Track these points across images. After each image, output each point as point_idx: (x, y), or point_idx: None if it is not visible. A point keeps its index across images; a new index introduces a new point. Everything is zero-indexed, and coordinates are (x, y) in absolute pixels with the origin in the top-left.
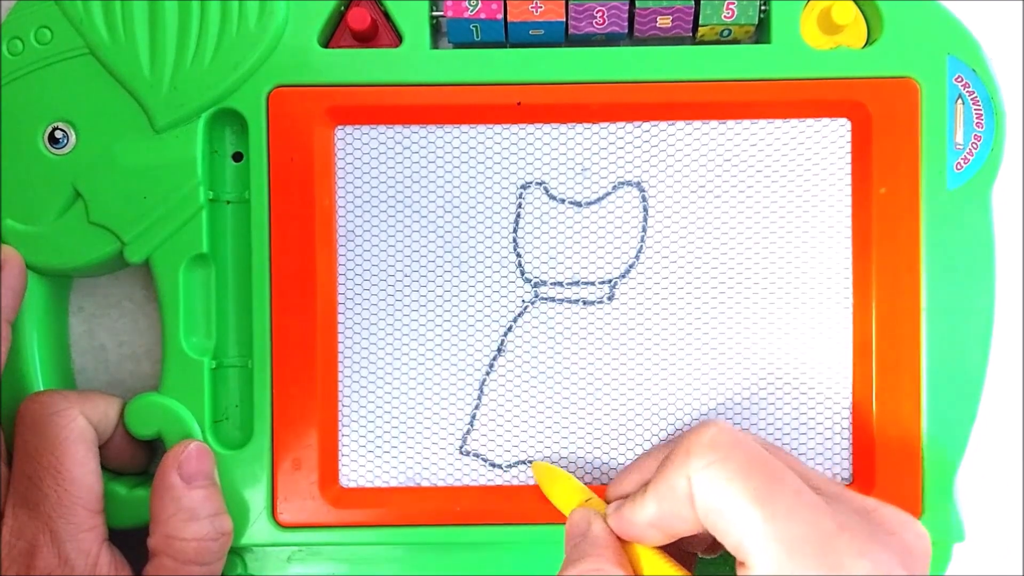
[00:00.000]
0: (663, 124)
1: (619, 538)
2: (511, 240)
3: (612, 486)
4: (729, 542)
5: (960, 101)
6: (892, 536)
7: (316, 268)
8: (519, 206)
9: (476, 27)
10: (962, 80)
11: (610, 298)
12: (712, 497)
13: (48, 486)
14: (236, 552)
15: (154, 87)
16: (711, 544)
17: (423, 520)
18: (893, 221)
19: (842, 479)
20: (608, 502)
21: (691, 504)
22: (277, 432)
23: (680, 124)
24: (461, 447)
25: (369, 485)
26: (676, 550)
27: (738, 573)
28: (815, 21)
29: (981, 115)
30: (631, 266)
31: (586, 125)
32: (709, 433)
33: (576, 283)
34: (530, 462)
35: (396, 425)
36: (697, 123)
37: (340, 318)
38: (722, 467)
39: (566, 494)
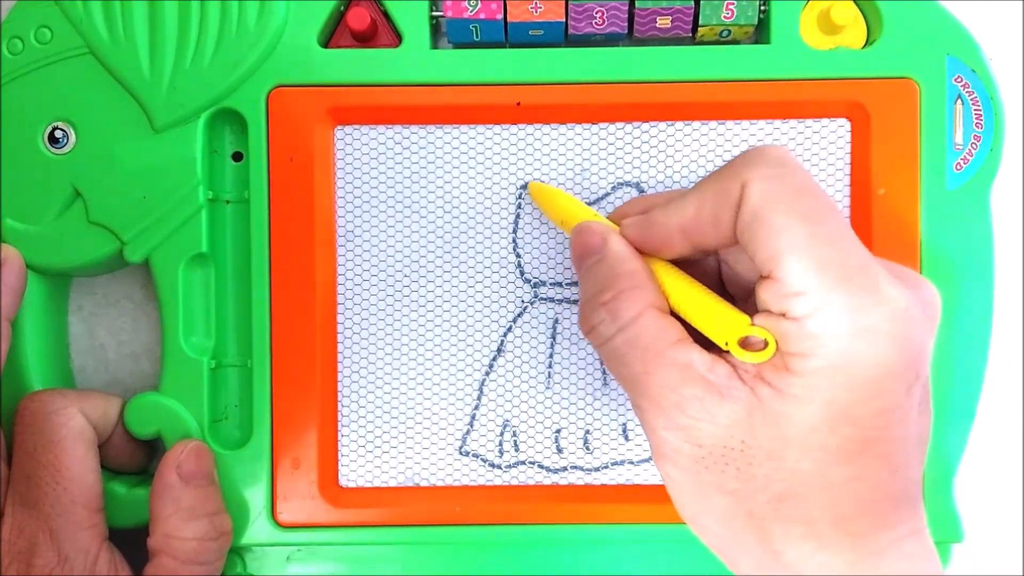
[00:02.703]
0: (662, 124)
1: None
2: (511, 240)
3: (615, 213)
4: (763, 254)
5: (959, 101)
6: (916, 288)
7: (316, 268)
8: (519, 206)
9: (476, 27)
10: (961, 80)
11: None
12: (763, 205)
13: (47, 484)
14: (236, 552)
15: (154, 87)
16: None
17: (422, 520)
18: (892, 221)
19: None
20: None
21: (735, 211)
22: (276, 432)
23: (679, 124)
24: (460, 447)
25: (368, 485)
26: None
27: (758, 291)
28: (814, 21)
29: (980, 115)
30: None
31: (585, 125)
32: (777, 150)
33: (576, 283)
34: (531, 464)
35: (395, 425)
36: (696, 123)
37: (339, 318)
38: (782, 181)
39: (568, 211)
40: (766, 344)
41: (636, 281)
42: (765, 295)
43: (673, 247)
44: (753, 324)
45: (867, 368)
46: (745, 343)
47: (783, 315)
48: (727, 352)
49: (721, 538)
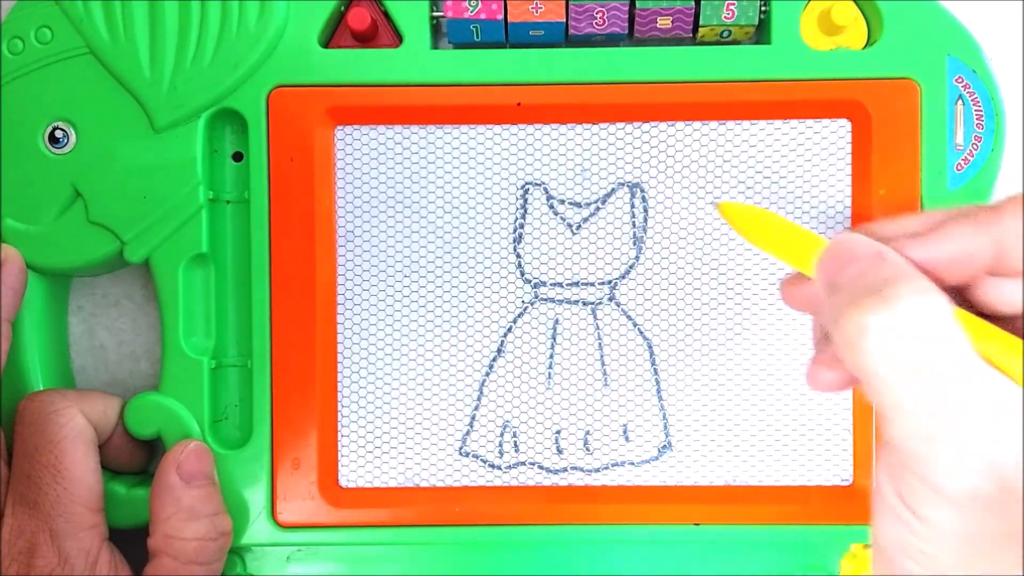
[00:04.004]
0: (663, 125)
1: None
2: (511, 240)
3: (879, 226)
4: None
5: (960, 102)
6: None
7: (316, 268)
8: (519, 206)
9: (476, 27)
10: (962, 81)
11: (610, 298)
12: None
13: (47, 484)
14: (236, 552)
15: (154, 87)
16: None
17: (422, 520)
18: None
19: (842, 480)
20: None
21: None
22: (276, 432)
23: (680, 125)
24: (460, 448)
25: (368, 485)
26: None
27: None
28: (815, 22)
29: (981, 116)
30: (631, 266)
31: (586, 126)
32: None
33: (576, 283)
34: (531, 464)
35: (395, 425)
36: (697, 124)
37: (340, 318)
38: None
39: (793, 236)
40: None
41: (918, 277)
42: None
43: (943, 276)
44: None
45: None
46: None
47: None
48: None
49: None
